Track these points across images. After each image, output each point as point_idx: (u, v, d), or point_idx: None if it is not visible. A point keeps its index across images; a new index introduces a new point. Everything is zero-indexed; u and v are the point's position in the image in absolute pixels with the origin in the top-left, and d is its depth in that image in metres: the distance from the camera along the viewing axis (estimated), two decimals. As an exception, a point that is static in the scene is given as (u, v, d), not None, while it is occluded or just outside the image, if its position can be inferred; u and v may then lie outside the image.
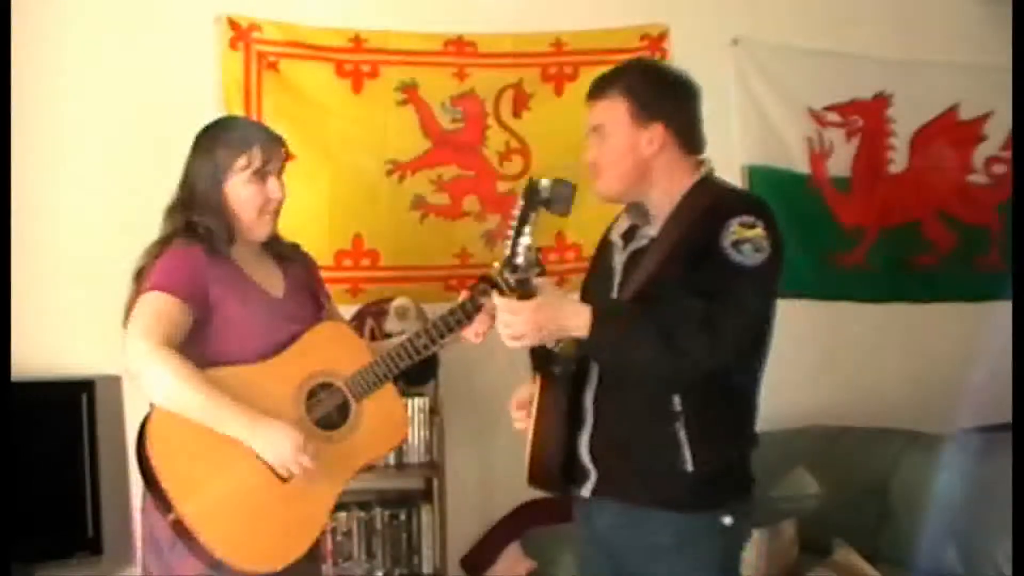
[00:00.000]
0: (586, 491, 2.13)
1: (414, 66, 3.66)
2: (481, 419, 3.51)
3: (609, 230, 2.27)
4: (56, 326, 3.27)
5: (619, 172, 2.13)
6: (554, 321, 1.97)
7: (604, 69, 2.24)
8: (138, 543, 2.31)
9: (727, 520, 2.05)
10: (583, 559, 2.29)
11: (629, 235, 2.19)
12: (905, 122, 4.13)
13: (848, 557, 3.02)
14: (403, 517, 3.46)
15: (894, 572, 2.99)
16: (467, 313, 2.24)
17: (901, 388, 3.96)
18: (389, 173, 3.66)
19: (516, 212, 1.93)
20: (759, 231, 1.99)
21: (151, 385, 2.08)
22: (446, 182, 3.70)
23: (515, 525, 3.59)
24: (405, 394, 2.84)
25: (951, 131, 4.19)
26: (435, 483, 3.44)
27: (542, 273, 2.02)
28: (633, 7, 3.82)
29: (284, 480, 2.15)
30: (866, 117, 4.09)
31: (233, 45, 3.49)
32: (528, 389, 2.20)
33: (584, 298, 2.23)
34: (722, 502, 2.06)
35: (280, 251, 2.37)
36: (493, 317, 2.11)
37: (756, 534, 2.90)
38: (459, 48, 3.69)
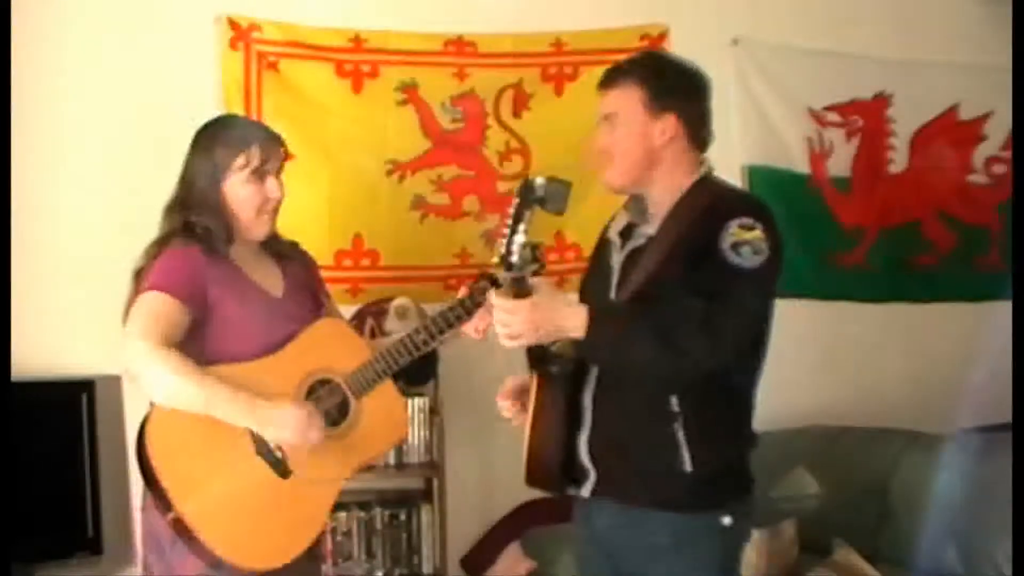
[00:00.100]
0: (585, 491, 2.12)
1: (414, 66, 3.66)
2: (481, 419, 3.50)
3: (607, 228, 2.27)
4: (56, 326, 3.28)
5: (630, 160, 2.13)
6: (550, 321, 1.97)
7: (604, 69, 2.24)
8: (138, 543, 2.31)
9: (726, 520, 2.05)
10: (583, 559, 2.29)
11: (627, 233, 2.18)
12: (905, 122, 4.13)
13: (848, 557, 3.02)
14: (403, 517, 3.46)
15: (894, 572, 2.99)
16: (467, 309, 2.24)
17: (901, 388, 3.96)
18: (389, 173, 3.66)
19: (511, 211, 1.93)
20: (758, 233, 1.99)
21: (151, 384, 2.08)
22: (446, 182, 3.70)
23: (515, 525, 3.59)
24: (405, 394, 2.84)
25: (951, 131, 4.19)
26: (435, 483, 3.45)
27: (540, 271, 2.02)
28: (633, 7, 3.83)
29: (283, 477, 2.15)
30: (866, 117, 4.09)
31: (233, 45, 3.49)
32: (516, 379, 2.20)
33: (583, 298, 2.23)
34: (721, 502, 2.06)
35: (279, 250, 2.37)
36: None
37: (756, 534, 2.90)
38: (459, 48, 3.70)
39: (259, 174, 2.24)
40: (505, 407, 2.22)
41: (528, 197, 1.93)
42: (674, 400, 2.02)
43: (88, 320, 3.13)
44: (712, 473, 2.03)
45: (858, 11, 4.05)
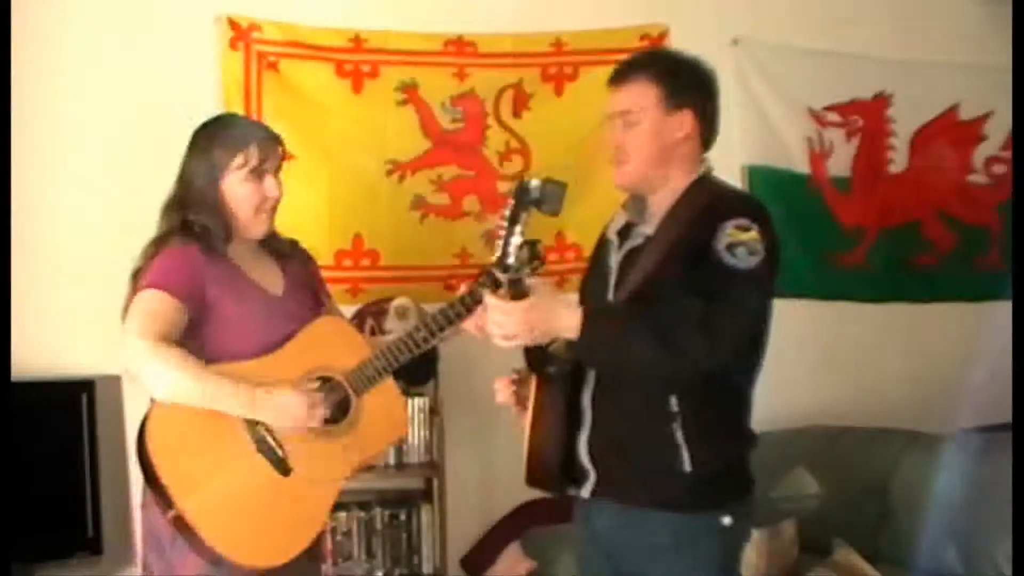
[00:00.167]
0: (585, 492, 2.12)
1: (414, 66, 3.66)
2: (481, 419, 3.51)
3: (606, 227, 2.27)
4: (56, 326, 3.28)
5: (645, 158, 2.12)
6: (545, 322, 1.97)
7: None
8: (138, 541, 2.31)
9: (726, 520, 2.05)
10: (583, 559, 2.29)
11: (625, 233, 2.18)
12: (905, 122, 4.13)
13: (848, 557, 3.02)
14: (403, 517, 3.46)
15: (894, 572, 2.99)
16: (467, 306, 2.23)
17: (901, 388, 3.96)
18: (389, 173, 3.66)
19: (506, 212, 1.93)
20: (753, 234, 1.99)
21: (152, 381, 2.08)
22: (446, 182, 3.70)
23: (515, 525, 3.59)
24: (405, 393, 2.84)
25: (951, 131, 4.19)
26: (435, 483, 3.45)
27: (539, 268, 2.01)
28: (633, 7, 3.83)
29: (284, 475, 2.15)
30: (866, 117, 4.09)
31: (233, 45, 3.49)
32: (521, 369, 2.19)
33: (582, 298, 2.23)
34: (721, 502, 2.05)
35: (278, 248, 2.37)
36: None
37: (756, 534, 2.90)
38: (459, 48, 3.70)
39: (257, 173, 2.24)
40: (500, 388, 2.20)
41: (523, 198, 1.93)
42: (673, 400, 2.02)
43: (88, 320, 3.13)
44: (712, 473, 2.03)
45: (858, 11, 4.05)
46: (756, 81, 3.93)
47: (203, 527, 2.09)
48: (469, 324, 2.24)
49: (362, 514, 3.44)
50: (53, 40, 3.33)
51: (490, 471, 3.63)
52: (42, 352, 3.20)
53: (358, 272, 3.63)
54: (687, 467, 2.01)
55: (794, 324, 3.32)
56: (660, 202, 2.13)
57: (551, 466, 2.12)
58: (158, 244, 2.22)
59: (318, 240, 3.26)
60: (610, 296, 2.13)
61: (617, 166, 2.16)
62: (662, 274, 2.02)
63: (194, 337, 2.16)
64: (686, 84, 2.14)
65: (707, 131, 2.16)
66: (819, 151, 4.05)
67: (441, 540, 3.44)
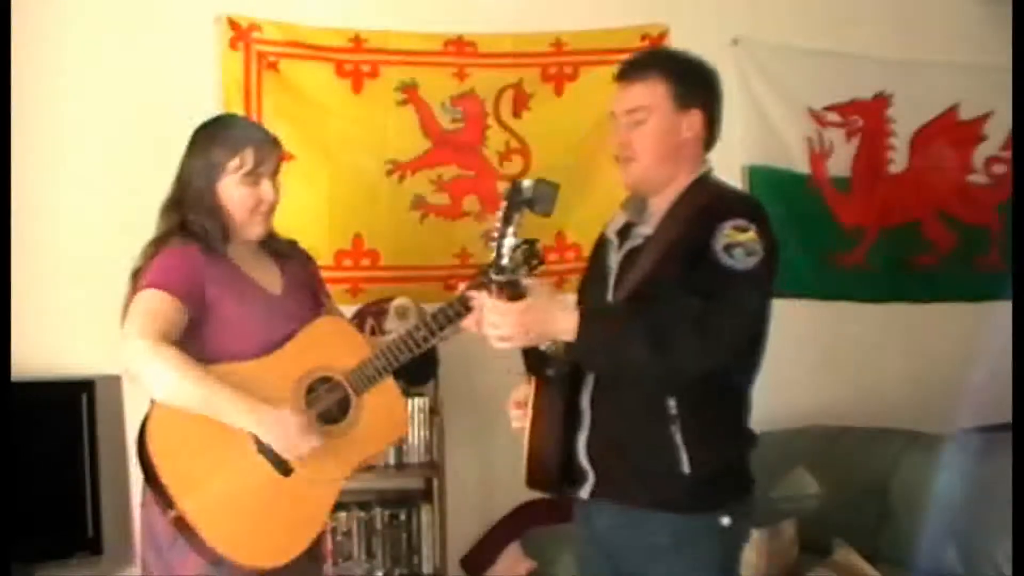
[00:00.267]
0: (584, 492, 2.12)
1: (414, 66, 3.66)
2: (481, 419, 3.51)
3: (605, 227, 2.27)
4: (56, 326, 3.27)
5: (658, 155, 2.12)
6: (541, 324, 1.97)
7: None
8: (138, 542, 2.30)
9: (725, 521, 2.05)
10: (583, 559, 2.29)
11: (625, 233, 2.18)
12: (905, 122, 4.13)
13: (848, 557, 3.02)
14: (403, 517, 3.46)
15: (894, 572, 2.99)
16: (466, 305, 2.24)
17: (901, 388, 3.96)
18: (389, 173, 3.66)
19: (500, 213, 1.93)
20: (751, 235, 1.98)
21: (151, 382, 2.08)
22: (446, 182, 3.70)
23: (515, 525, 3.59)
24: (406, 394, 2.84)
25: (951, 131, 4.19)
26: (435, 483, 3.45)
27: (537, 267, 2.01)
28: (633, 7, 3.83)
29: (285, 475, 2.15)
30: (866, 117, 4.09)
31: (233, 45, 3.49)
32: (523, 389, 2.19)
33: (581, 298, 2.23)
34: (721, 503, 2.05)
35: (277, 249, 2.37)
36: None
37: (756, 534, 2.90)
38: (459, 48, 3.69)
39: (253, 176, 2.23)
40: (517, 416, 2.18)
41: (516, 199, 1.93)
42: (672, 401, 2.02)
43: (88, 320, 3.13)
44: (711, 474, 2.03)
45: (858, 11, 4.05)
46: (756, 81, 3.93)
47: (203, 527, 2.09)
48: (469, 321, 2.24)
49: (362, 514, 3.44)
50: (53, 40, 3.33)
51: (490, 471, 3.63)
52: (42, 352, 3.20)
53: (358, 272, 3.63)
54: (686, 468, 2.01)
55: (794, 324, 3.32)
56: (660, 202, 2.13)
57: (550, 467, 2.12)
58: (158, 244, 2.22)
59: (318, 240, 3.26)
60: (609, 296, 2.13)
61: (624, 164, 2.16)
62: (661, 274, 2.02)
63: (194, 337, 2.16)
64: (695, 84, 2.14)
65: (711, 132, 2.16)
66: (819, 151, 4.05)
67: (441, 540, 3.44)
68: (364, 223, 3.64)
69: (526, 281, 1.99)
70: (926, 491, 3.01)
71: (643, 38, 3.81)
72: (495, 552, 3.58)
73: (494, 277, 1.96)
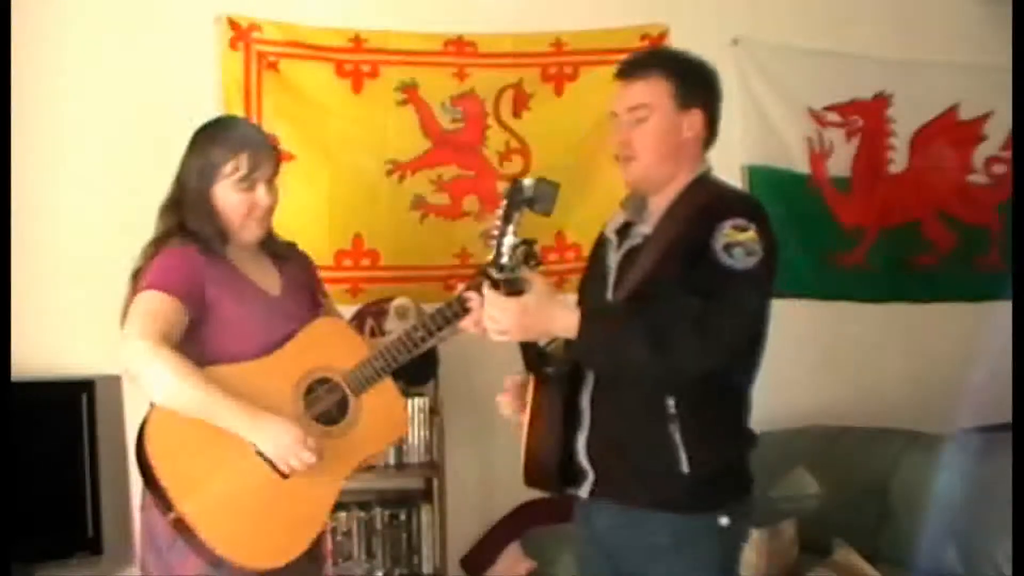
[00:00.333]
0: (584, 492, 2.12)
1: (414, 66, 3.66)
2: (481, 419, 3.50)
3: (605, 226, 2.27)
4: (56, 326, 3.28)
5: (659, 154, 2.12)
6: (540, 323, 1.98)
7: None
8: (137, 542, 2.30)
9: (724, 521, 2.05)
10: (582, 559, 2.29)
11: (624, 232, 2.18)
12: (905, 122, 4.13)
13: (848, 557, 3.02)
14: (403, 517, 3.46)
15: (894, 572, 2.99)
16: (464, 305, 2.23)
17: (901, 388, 3.96)
18: (389, 173, 3.66)
19: (500, 212, 1.93)
20: (751, 234, 1.98)
21: (150, 384, 2.08)
22: (446, 182, 3.70)
23: (515, 525, 3.59)
24: (405, 394, 2.84)
25: (951, 131, 4.19)
26: (435, 483, 3.45)
27: (535, 268, 2.01)
28: (633, 7, 3.83)
29: (284, 476, 2.15)
30: (866, 117, 4.09)
31: (233, 45, 3.49)
32: (516, 378, 2.19)
33: (581, 297, 2.23)
34: (720, 503, 2.05)
35: (276, 250, 2.36)
36: None
37: (756, 534, 2.90)
38: (459, 48, 3.69)
39: (247, 182, 2.22)
40: (504, 403, 2.21)
41: (516, 198, 1.93)
42: (671, 401, 2.01)
43: (88, 320, 3.13)
44: (711, 473, 2.03)
45: (858, 11, 4.05)
46: (756, 81, 3.93)
47: (203, 528, 2.08)
48: (467, 322, 2.24)
49: (362, 514, 3.44)
50: (53, 40, 3.33)
51: (490, 471, 3.63)
52: (42, 352, 3.20)
53: (358, 272, 3.63)
54: (686, 467, 2.01)
55: (794, 324, 3.32)
56: (659, 201, 2.13)
57: (549, 466, 2.12)
58: (157, 244, 2.22)
59: (318, 240, 3.26)
60: (609, 295, 2.13)
61: (624, 163, 2.15)
62: (660, 273, 2.02)
63: (193, 338, 2.15)
64: (697, 84, 2.14)
65: (711, 132, 2.16)
66: (819, 151, 4.05)
67: (441, 540, 3.44)
68: (364, 223, 3.64)
69: (526, 275, 1.99)
70: (926, 491, 3.01)
71: (643, 38, 3.81)
72: (495, 552, 3.59)
73: (494, 275, 1.96)
